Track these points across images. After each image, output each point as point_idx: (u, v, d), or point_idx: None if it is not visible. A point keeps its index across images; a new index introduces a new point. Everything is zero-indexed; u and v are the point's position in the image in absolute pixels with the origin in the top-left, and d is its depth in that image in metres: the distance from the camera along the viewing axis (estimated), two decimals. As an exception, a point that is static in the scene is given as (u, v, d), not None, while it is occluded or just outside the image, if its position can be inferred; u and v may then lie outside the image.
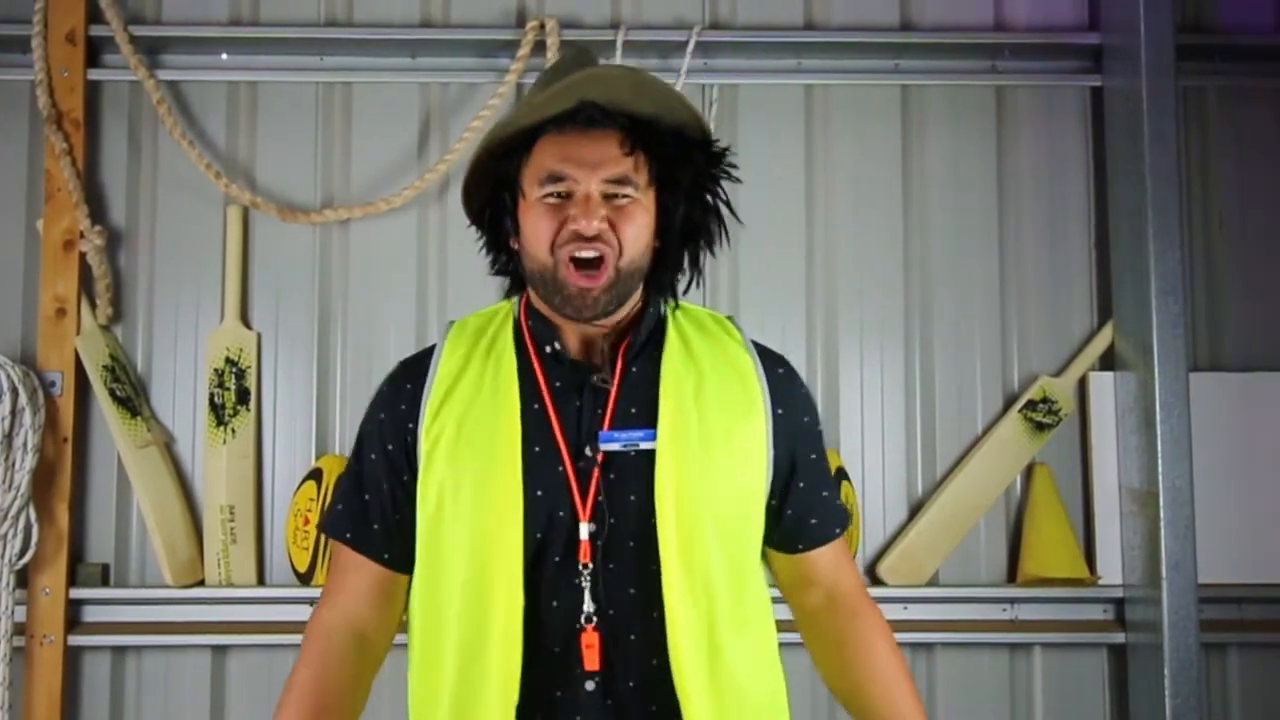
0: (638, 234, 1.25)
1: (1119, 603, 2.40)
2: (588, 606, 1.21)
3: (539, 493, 1.22)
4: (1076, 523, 2.43)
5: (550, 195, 1.24)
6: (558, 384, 1.27)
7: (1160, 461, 2.28)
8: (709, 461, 1.23)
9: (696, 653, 1.19)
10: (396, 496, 1.29)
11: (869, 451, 2.45)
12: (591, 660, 1.20)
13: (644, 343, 1.30)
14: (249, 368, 2.42)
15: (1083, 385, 2.45)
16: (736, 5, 2.50)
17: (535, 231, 1.24)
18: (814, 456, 1.34)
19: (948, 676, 2.41)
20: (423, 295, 2.46)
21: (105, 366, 2.37)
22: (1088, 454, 2.44)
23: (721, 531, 1.23)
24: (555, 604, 1.22)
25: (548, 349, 1.29)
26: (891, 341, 2.46)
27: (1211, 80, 2.51)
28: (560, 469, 1.23)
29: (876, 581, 2.41)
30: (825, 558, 1.36)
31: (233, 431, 2.40)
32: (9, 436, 2.28)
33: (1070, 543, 2.40)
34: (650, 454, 1.22)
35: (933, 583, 2.41)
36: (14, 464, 2.28)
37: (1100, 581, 2.40)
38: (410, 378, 1.32)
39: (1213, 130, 2.52)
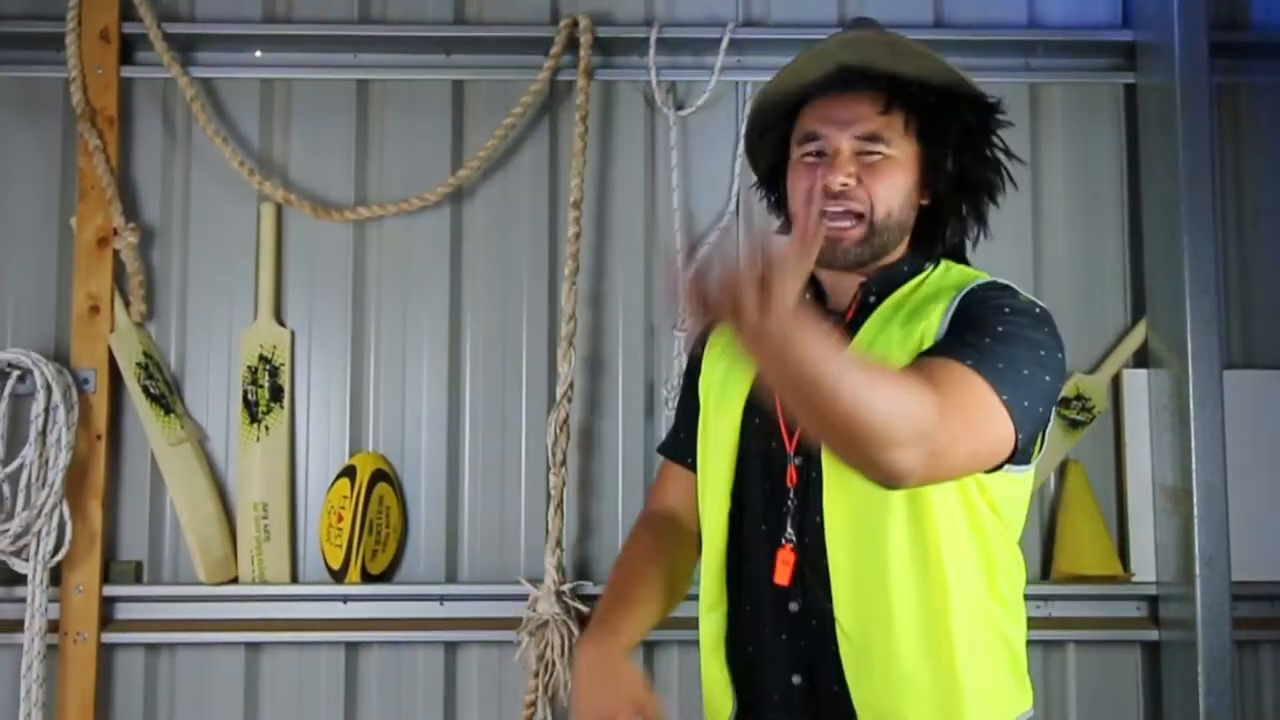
0: (890, 189, 1.30)
1: (1153, 600, 2.40)
2: (788, 530, 1.30)
3: (756, 420, 1.34)
4: (1110, 520, 2.43)
5: (808, 154, 1.33)
6: None
7: (1194, 458, 2.28)
8: None
9: (852, 575, 1.27)
10: (694, 414, 1.47)
11: (902, 449, 2.44)
12: (783, 576, 1.29)
13: (888, 293, 1.33)
14: (282, 365, 2.42)
15: (1116, 382, 2.45)
16: (770, 3, 2.50)
17: (794, 188, 1.35)
18: (970, 319, 1.24)
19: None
20: (456, 292, 2.45)
21: (138, 364, 2.37)
22: (1121, 451, 2.44)
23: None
24: (764, 527, 1.33)
25: (807, 295, 1.36)
26: (925, 338, 2.46)
27: (1244, 77, 2.50)
28: (773, 405, 1.32)
29: (910, 579, 2.40)
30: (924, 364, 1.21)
31: (266, 429, 2.40)
32: (43, 434, 2.28)
33: (1104, 540, 2.40)
34: None
35: (966, 580, 2.41)
36: (48, 461, 2.28)
37: (1134, 579, 2.40)
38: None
39: (1246, 127, 2.51)
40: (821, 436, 1.13)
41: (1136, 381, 2.44)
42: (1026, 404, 1.19)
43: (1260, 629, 2.38)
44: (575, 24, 2.40)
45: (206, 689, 2.37)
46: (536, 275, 2.45)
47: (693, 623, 2.26)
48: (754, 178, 2.43)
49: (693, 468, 1.47)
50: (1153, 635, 2.38)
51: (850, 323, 1.33)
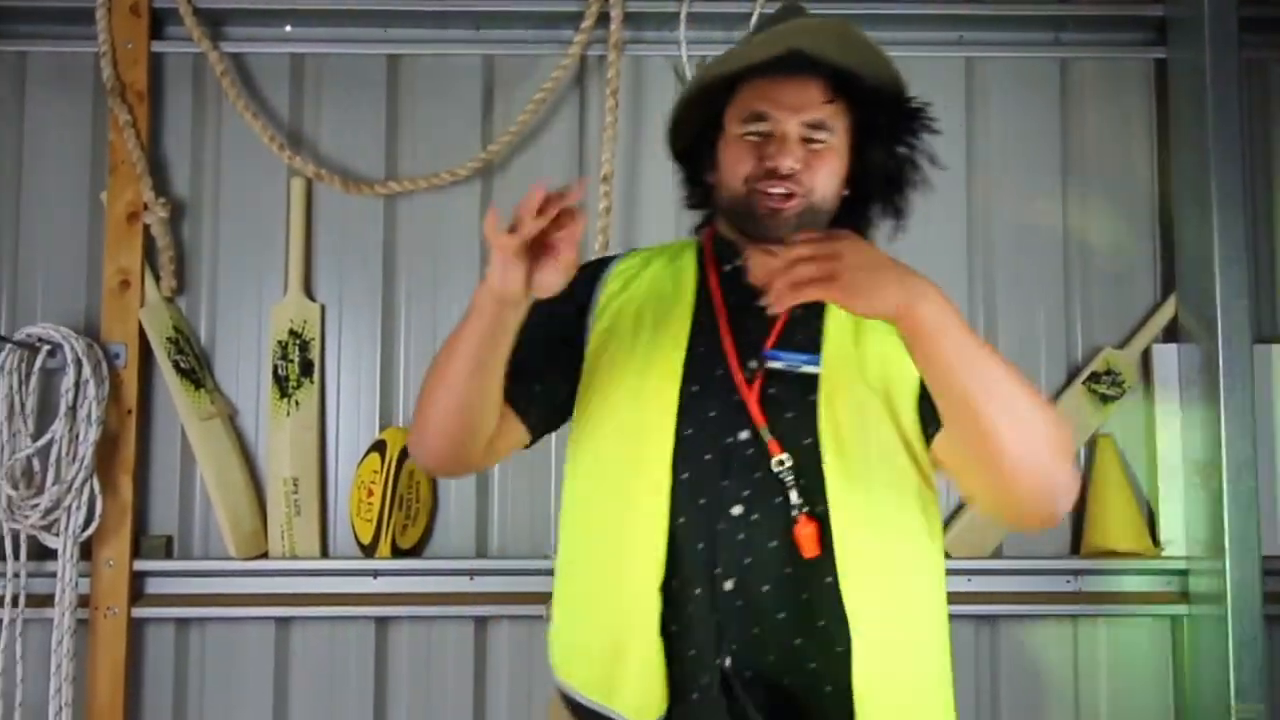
0: (829, 177, 1.31)
1: (1183, 574, 2.39)
2: (745, 507, 1.26)
3: (695, 388, 1.30)
4: (1140, 495, 2.43)
5: (751, 133, 1.32)
6: (732, 299, 1.35)
7: (1224, 434, 2.28)
8: (864, 398, 1.28)
9: (864, 561, 1.24)
10: (551, 353, 1.37)
11: (933, 423, 2.45)
12: (811, 548, 1.24)
13: None
14: (312, 340, 2.42)
15: (1146, 357, 2.45)
16: (800, -23, 2.51)
17: (734, 165, 1.33)
18: None
19: (1011, 648, 2.41)
20: (486, 267, 2.44)
21: (169, 338, 2.37)
22: (1152, 426, 2.44)
23: (878, 464, 1.27)
24: (702, 501, 1.27)
25: (728, 267, 1.37)
26: (955, 314, 2.46)
27: (1274, 52, 2.50)
28: (720, 373, 1.30)
29: (940, 554, 2.41)
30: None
31: (296, 404, 2.40)
32: (73, 408, 2.28)
33: (1134, 514, 2.40)
34: (807, 378, 1.29)
35: (996, 555, 2.41)
36: (78, 436, 2.28)
37: (1164, 553, 2.40)
38: (592, 266, 1.42)
39: (1276, 102, 2.51)
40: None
41: (1167, 356, 2.44)
42: None
43: (1290, 603, 2.38)
44: (606, -1, 2.40)
45: (237, 663, 2.38)
46: (567, 249, 2.45)
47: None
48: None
49: (528, 420, 1.37)
50: (1183, 610, 2.38)
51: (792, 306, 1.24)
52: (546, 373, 1.38)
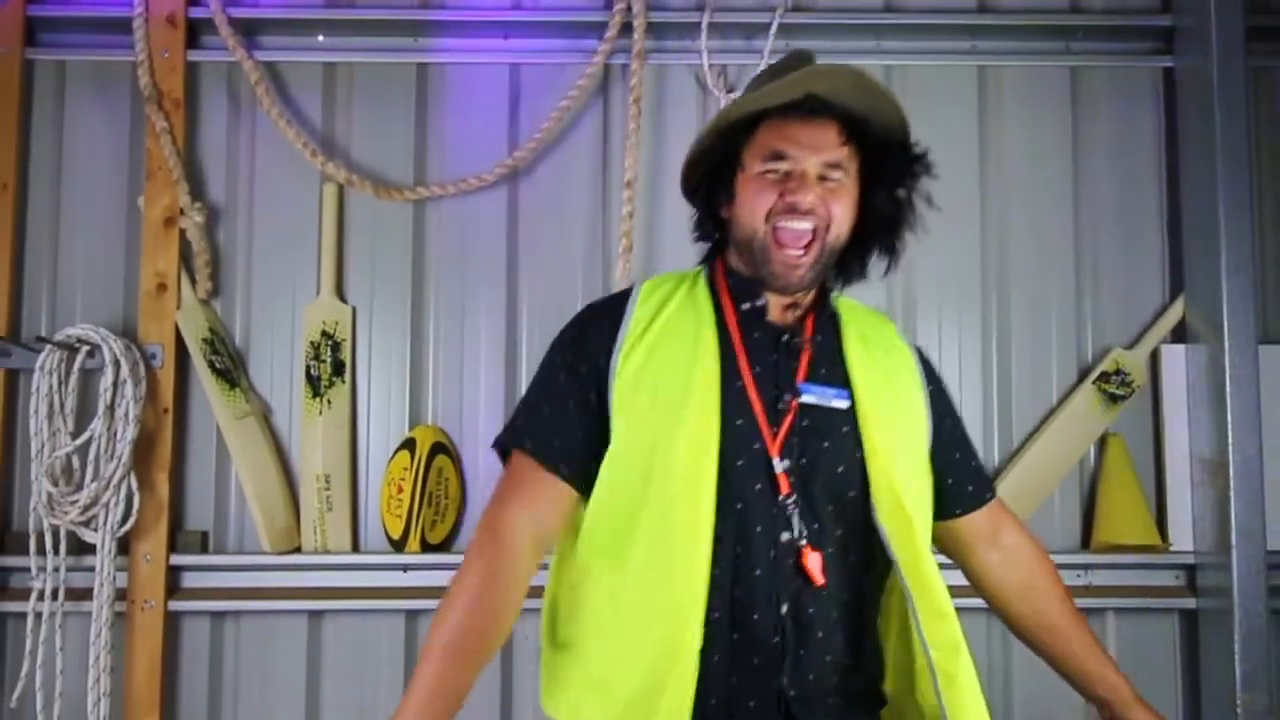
0: (844, 214, 1.38)
1: (1190, 569, 2.46)
2: (796, 532, 1.33)
3: (739, 422, 1.33)
4: (1149, 492, 2.49)
5: (771, 171, 1.36)
6: (755, 335, 1.40)
7: (1230, 432, 2.34)
8: (894, 426, 1.40)
9: (923, 570, 1.36)
10: (581, 416, 1.38)
11: (947, 422, 2.51)
12: (819, 576, 1.32)
13: (827, 317, 1.45)
14: (344, 341, 2.48)
15: (1155, 357, 2.52)
16: (819, -13, 2.57)
17: (753, 201, 1.37)
18: (957, 428, 1.51)
19: (1021, 642, 2.46)
20: (513, 269, 2.52)
21: (204, 339, 2.43)
22: (1160, 424, 2.50)
23: (910, 490, 1.38)
24: (759, 529, 1.33)
25: (745, 305, 1.41)
26: (968, 315, 2.53)
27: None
28: (753, 409, 1.35)
29: (954, 548, 2.46)
30: (984, 519, 1.51)
31: (328, 403, 2.46)
32: (111, 407, 2.33)
33: (1142, 511, 2.46)
34: (840, 412, 1.37)
35: (1008, 549, 2.47)
36: (116, 434, 2.34)
37: (1172, 548, 2.46)
38: (607, 314, 1.42)
39: (1282, 108, 2.58)
40: None
41: (1174, 357, 2.50)
42: None
43: (1295, 597, 2.44)
44: (629, 8, 2.46)
45: (270, 655, 2.43)
46: (591, 252, 2.52)
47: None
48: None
49: (566, 478, 1.37)
50: (1190, 603, 2.45)
51: (811, 340, 1.41)
52: (568, 433, 1.39)
